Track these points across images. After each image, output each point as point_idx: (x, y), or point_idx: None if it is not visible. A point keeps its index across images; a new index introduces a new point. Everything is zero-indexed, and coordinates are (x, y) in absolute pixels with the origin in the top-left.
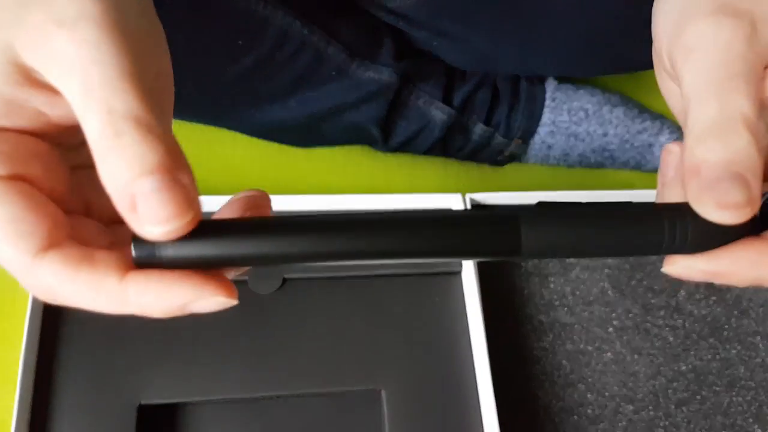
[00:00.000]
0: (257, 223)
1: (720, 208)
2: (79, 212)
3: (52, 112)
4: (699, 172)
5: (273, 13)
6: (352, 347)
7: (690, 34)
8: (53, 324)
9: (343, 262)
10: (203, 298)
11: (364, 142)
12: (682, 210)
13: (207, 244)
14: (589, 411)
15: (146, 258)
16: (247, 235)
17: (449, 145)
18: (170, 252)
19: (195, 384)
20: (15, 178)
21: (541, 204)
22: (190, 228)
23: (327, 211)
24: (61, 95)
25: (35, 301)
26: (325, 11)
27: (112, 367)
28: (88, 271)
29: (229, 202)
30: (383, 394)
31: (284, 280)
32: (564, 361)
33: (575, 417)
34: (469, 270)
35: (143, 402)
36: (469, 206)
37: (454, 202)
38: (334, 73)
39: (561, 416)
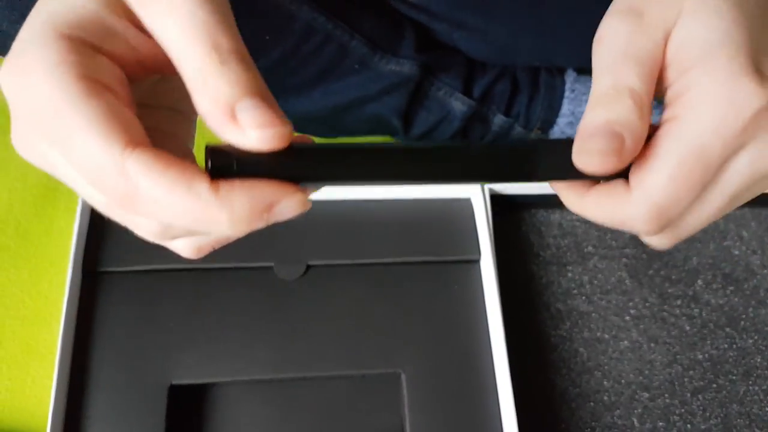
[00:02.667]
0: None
1: (588, 155)
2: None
3: (141, 47)
4: (583, 131)
5: (299, 8)
6: (373, 332)
7: (601, 28)
8: (90, 307)
9: (387, 184)
10: (288, 197)
11: (386, 133)
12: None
13: (278, 160)
14: (605, 398)
15: (222, 168)
16: (315, 154)
17: (469, 136)
18: (243, 163)
19: (223, 365)
20: (107, 87)
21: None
22: (284, 142)
23: (346, 200)
24: (148, 35)
25: (72, 284)
26: (349, 5)
27: (146, 349)
28: (179, 167)
29: None
30: (403, 377)
31: (308, 267)
32: (581, 349)
33: (591, 403)
34: (487, 258)
35: (174, 382)
36: (488, 197)
37: (473, 192)
38: (357, 65)
39: (577, 402)
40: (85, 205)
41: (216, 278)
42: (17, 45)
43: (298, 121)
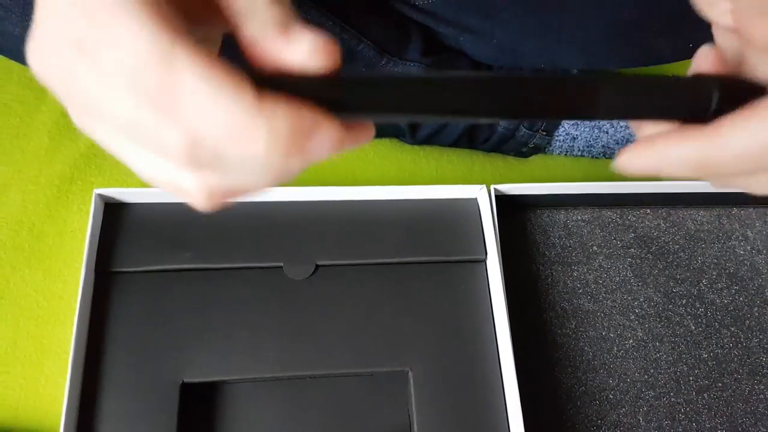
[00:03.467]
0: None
1: None
2: None
3: None
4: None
5: (307, 13)
6: (381, 330)
7: None
8: (102, 307)
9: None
10: (328, 126)
11: (392, 135)
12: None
13: (320, 84)
14: (611, 396)
15: (265, 80)
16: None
17: (475, 137)
18: (287, 81)
19: (234, 363)
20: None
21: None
22: (334, 59)
23: (353, 201)
24: None
25: (85, 284)
26: (356, 10)
27: (158, 348)
28: (228, 69)
29: None
30: (410, 375)
31: (317, 267)
32: (586, 347)
33: (597, 402)
34: (493, 258)
35: (186, 380)
36: (493, 196)
37: (479, 192)
38: (364, 69)
39: (583, 400)
40: (97, 205)
41: (226, 278)
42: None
43: None
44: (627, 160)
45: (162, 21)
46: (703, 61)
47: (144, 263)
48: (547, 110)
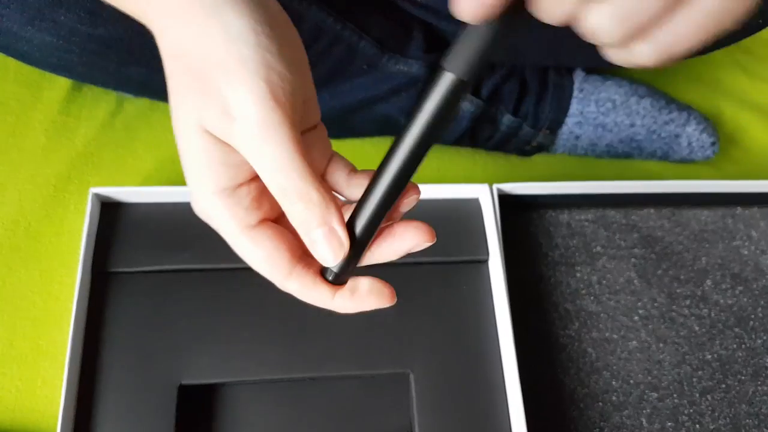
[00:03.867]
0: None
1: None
2: None
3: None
4: None
5: (307, 9)
6: (382, 332)
7: None
8: (99, 308)
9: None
10: (382, 304)
11: (394, 134)
12: None
13: (352, 252)
14: (614, 398)
15: (333, 278)
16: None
17: (477, 136)
18: (340, 269)
19: (232, 365)
20: (262, 222)
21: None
22: (345, 257)
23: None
24: None
25: (82, 284)
26: (357, 6)
27: (155, 349)
28: (314, 293)
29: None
30: (411, 377)
31: None
32: (589, 349)
33: (600, 403)
34: (496, 259)
35: (184, 382)
36: (496, 196)
37: (481, 191)
38: (365, 66)
39: (586, 402)
40: (94, 205)
41: (225, 279)
42: (192, 192)
43: None
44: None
45: (273, 260)
46: None
47: (141, 263)
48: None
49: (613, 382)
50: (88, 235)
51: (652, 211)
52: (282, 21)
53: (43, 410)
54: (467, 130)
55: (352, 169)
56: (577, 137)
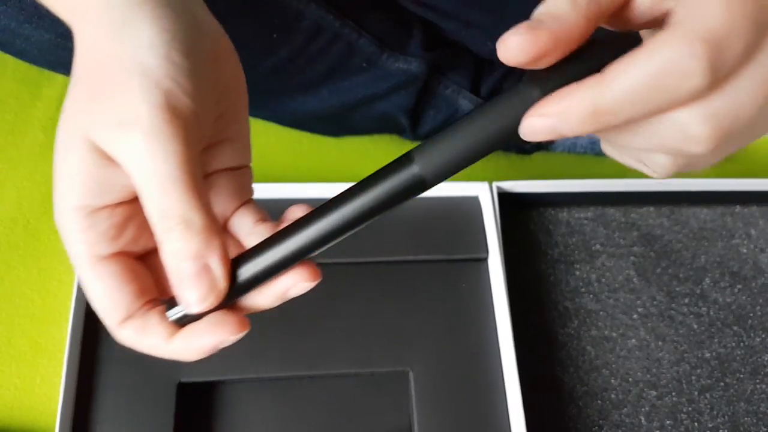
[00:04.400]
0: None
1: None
2: None
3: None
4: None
5: (306, 7)
6: (381, 330)
7: None
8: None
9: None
10: (226, 337)
11: (393, 131)
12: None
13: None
14: (613, 396)
15: (179, 319)
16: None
17: None
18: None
19: (231, 363)
20: (115, 255)
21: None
22: (215, 304)
23: None
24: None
25: (80, 284)
26: (356, 4)
27: None
28: (148, 340)
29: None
30: (411, 375)
31: (318, 265)
32: (589, 347)
33: (599, 401)
34: (495, 257)
35: (183, 380)
36: (496, 194)
37: (481, 189)
38: (364, 64)
39: (585, 400)
40: None
41: None
42: (54, 202)
43: (307, 121)
44: (530, 123)
45: (111, 301)
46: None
47: None
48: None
49: (612, 380)
50: None
51: (651, 209)
52: (210, 42)
53: (41, 408)
54: None
55: (263, 218)
56: (576, 135)
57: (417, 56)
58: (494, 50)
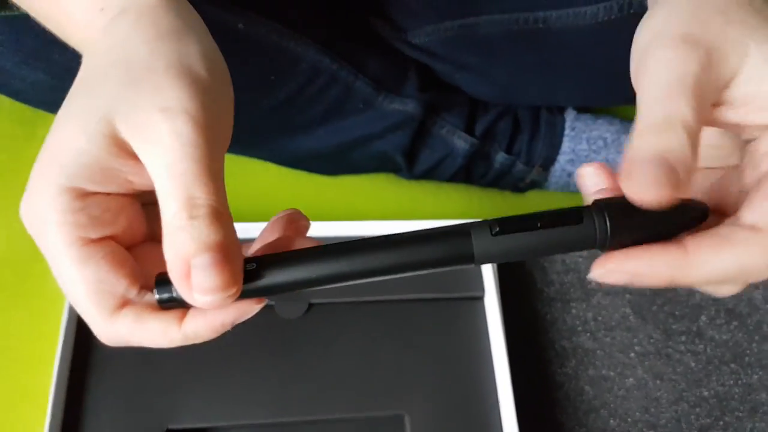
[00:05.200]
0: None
1: (640, 182)
2: (148, 239)
3: (138, 180)
4: (633, 159)
5: (304, 50)
6: (376, 372)
7: (651, 56)
8: (84, 348)
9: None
10: (242, 315)
11: (390, 170)
12: (609, 204)
13: None
14: None
15: (167, 301)
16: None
17: (472, 173)
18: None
19: (222, 408)
20: (103, 239)
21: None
22: (230, 301)
23: (348, 237)
24: (146, 168)
25: (68, 325)
26: (353, 47)
27: (141, 390)
28: (155, 324)
29: (271, 223)
30: (407, 419)
31: (310, 305)
32: (587, 387)
33: None
34: (491, 295)
35: (171, 426)
36: None
37: None
38: (361, 105)
39: None
40: None
41: None
42: (32, 184)
43: (304, 160)
44: (601, 275)
45: (99, 289)
46: (591, 182)
47: None
48: (429, 264)
49: (611, 421)
50: None
51: None
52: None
53: None
54: (462, 168)
55: None
56: (570, 174)
57: (413, 97)
58: (488, 91)
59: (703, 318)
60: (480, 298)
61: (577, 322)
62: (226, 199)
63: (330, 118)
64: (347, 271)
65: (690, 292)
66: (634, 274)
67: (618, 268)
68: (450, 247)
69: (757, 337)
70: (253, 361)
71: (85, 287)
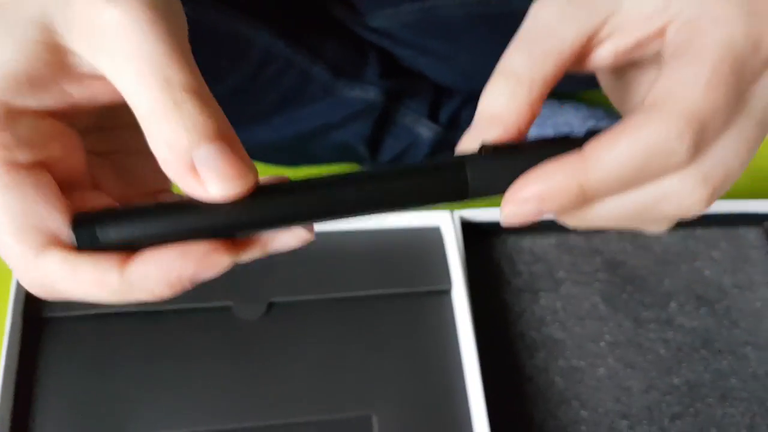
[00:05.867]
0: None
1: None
2: (88, 187)
3: (77, 92)
4: None
5: (256, 34)
6: (341, 372)
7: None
8: (32, 355)
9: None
10: (213, 263)
11: (352, 161)
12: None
13: (151, 222)
14: (584, 428)
15: (90, 245)
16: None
17: None
18: (113, 235)
19: (181, 415)
20: (33, 165)
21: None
22: (250, 190)
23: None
24: (90, 77)
25: (12, 332)
26: (310, 31)
27: (96, 401)
28: (88, 268)
29: None
30: (374, 419)
31: (270, 305)
32: (557, 378)
33: None
34: (459, 288)
35: None
36: (458, 223)
37: (442, 218)
38: (320, 92)
39: None
40: None
41: (170, 321)
42: None
43: (261, 151)
44: (511, 208)
45: (26, 220)
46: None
47: (78, 307)
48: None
49: (582, 412)
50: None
51: (613, 234)
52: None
53: None
54: (427, 157)
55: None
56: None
57: (374, 84)
58: (452, 77)
59: (673, 305)
60: (447, 292)
61: (546, 313)
62: (206, 85)
63: (287, 106)
64: (347, 200)
65: (659, 279)
66: (537, 197)
67: (520, 196)
68: (443, 174)
69: (726, 323)
70: (211, 366)
71: (7, 218)
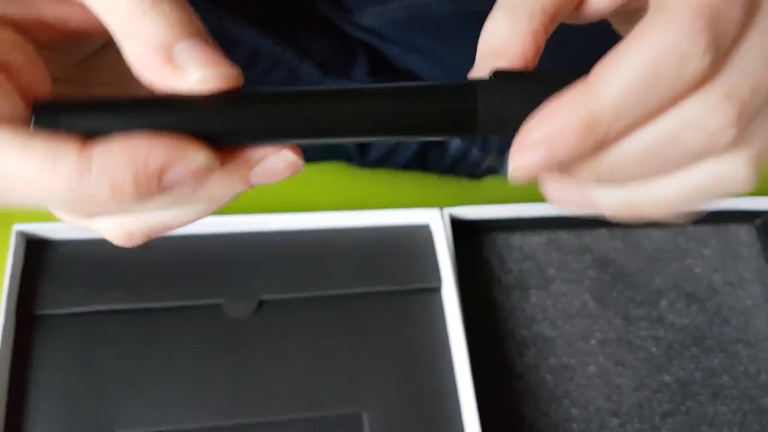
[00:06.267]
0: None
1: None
2: None
3: (49, 10)
4: None
5: (243, 32)
6: (332, 369)
7: None
8: (24, 352)
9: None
10: (183, 157)
11: (341, 158)
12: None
13: (128, 114)
14: (575, 426)
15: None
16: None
17: (427, 160)
18: (79, 123)
19: (171, 412)
20: None
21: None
22: (234, 84)
23: (300, 230)
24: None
25: (5, 330)
26: (298, 29)
27: (86, 397)
28: (43, 144)
29: None
30: (365, 417)
31: (260, 303)
32: (548, 376)
33: None
34: (449, 286)
35: None
36: (447, 220)
37: (432, 216)
38: None
39: None
40: (18, 243)
41: (161, 319)
42: None
43: None
44: (519, 158)
45: None
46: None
47: (70, 304)
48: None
49: (573, 410)
50: (12, 275)
51: (604, 231)
52: None
53: None
54: (416, 155)
55: None
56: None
57: (362, 81)
58: (440, 75)
59: (663, 303)
60: (437, 289)
61: (537, 311)
62: None
63: None
64: (336, 116)
65: (649, 277)
66: (546, 139)
67: (527, 142)
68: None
69: (717, 321)
70: (201, 363)
71: None
